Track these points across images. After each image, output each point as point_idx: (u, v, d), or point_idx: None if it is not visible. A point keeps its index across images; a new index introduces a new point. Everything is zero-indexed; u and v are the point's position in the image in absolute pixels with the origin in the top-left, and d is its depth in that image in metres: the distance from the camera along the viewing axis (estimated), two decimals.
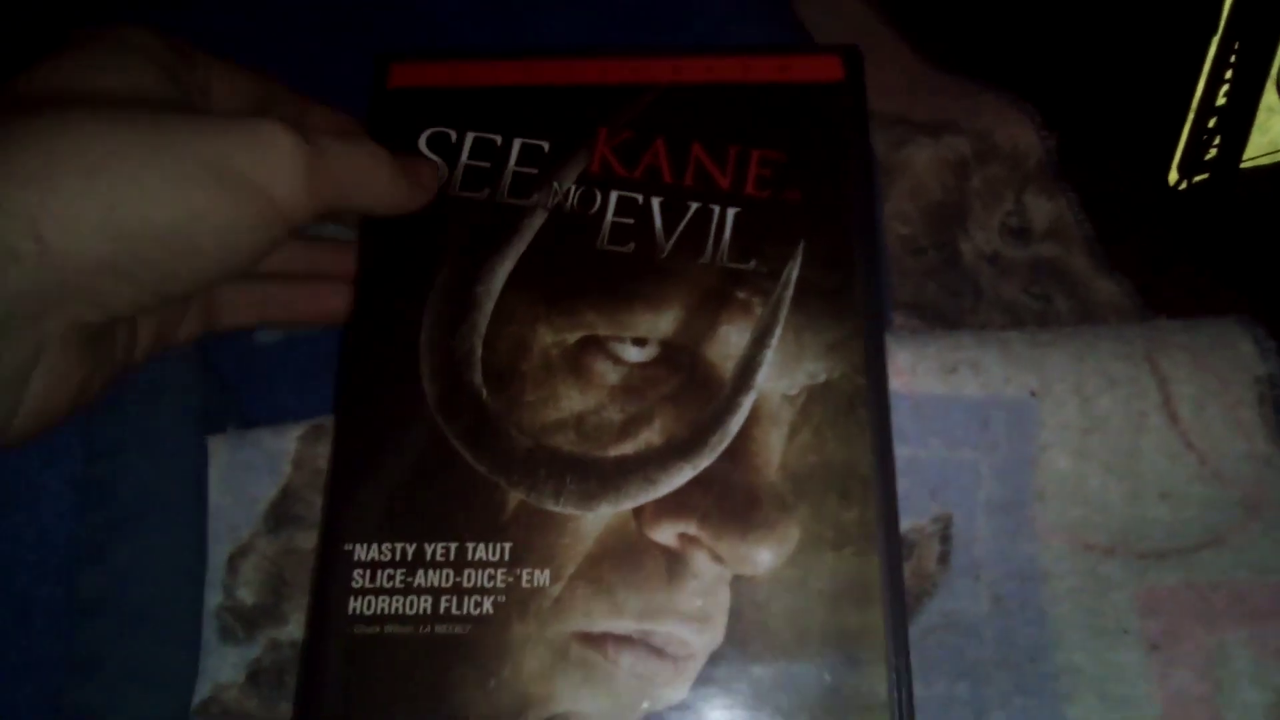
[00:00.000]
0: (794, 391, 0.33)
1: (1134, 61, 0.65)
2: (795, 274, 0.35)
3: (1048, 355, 0.35)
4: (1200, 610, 0.33)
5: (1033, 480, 0.35)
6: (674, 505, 0.32)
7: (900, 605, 0.31)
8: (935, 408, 0.35)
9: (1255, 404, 0.35)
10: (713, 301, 0.35)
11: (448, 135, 0.37)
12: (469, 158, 0.37)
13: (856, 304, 0.34)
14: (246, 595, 0.33)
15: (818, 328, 0.34)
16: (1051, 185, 0.50)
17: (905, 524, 0.34)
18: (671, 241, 0.35)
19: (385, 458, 0.33)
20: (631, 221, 0.36)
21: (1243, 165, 0.67)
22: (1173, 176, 0.68)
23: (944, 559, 0.34)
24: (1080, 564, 0.34)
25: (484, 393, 0.33)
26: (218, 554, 0.33)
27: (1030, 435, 0.35)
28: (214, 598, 0.33)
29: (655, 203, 0.36)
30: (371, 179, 0.33)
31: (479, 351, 0.34)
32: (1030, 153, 0.51)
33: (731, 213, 0.36)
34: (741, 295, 0.35)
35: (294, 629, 0.33)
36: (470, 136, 0.37)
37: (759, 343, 0.34)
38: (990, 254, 0.47)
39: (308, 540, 0.34)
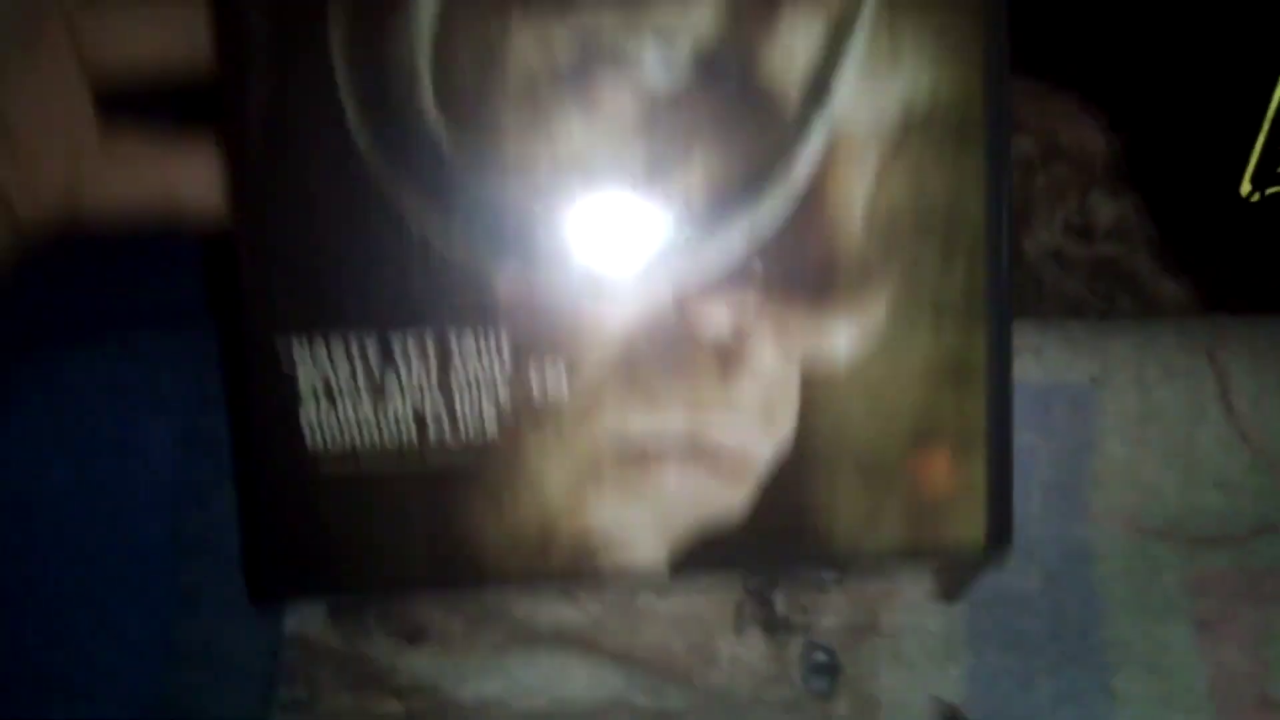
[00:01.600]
0: (883, 115, 0.25)
1: (1209, 71, 0.65)
2: None
3: (1109, 344, 0.36)
4: (1251, 592, 0.34)
5: (1090, 465, 0.36)
6: (725, 280, 0.25)
7: (1006, 390, 0.26)
8: None
9: None
10: None
11: None
12: None
13: None
14: None
15: (917, 24, 0.25)
16: (1116, 186, 0.51)
17: None
18: None
19: (314, 230, 0.25)
20: None
21: None
22: (1245, 188, 0.68)
23: None
24: (1133, 546, 0.35)
25: (441, 130, 0.24)
26: None
27: (1089, 422, 0.36)
28: None
29: None
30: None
31: (425, 73, 0.24)
32: (1096, 154, 0.52)
33: None
34: None
35: None
36: None
37: (834, 45, 0.25)
38: (1054, 251, 0.48)
39: None
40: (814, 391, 0.26)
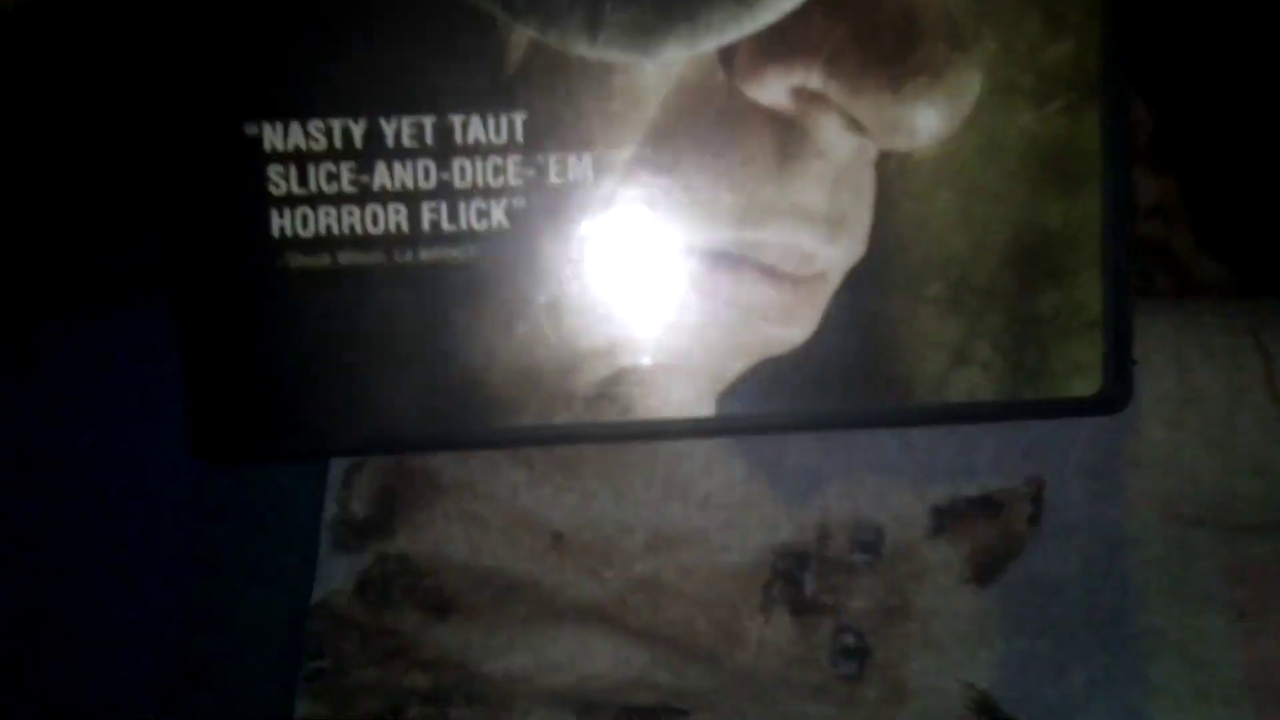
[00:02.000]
0: None
1: (1253, 48, 0.64)
2: None
3: (1149, 324, 0.35)
4: None
5: (1128, 447, 0.35)
6: (783, 42, 0.21)
7: (1125, 192, 0.22)
8: None
9: None
10: None
11: None
12: None
13: None
14: (359, 509, 0.35)
15: None
16: (1158, 163, 0.50)
17: (995, 484, 0.35)
18: None
19: None
20: None
21: None
22: None
23: (1034, 519, 0.35)
24: (1169, 532, 0.34)
25: None
26: (336, 467, 0.35)
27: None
28: (331, 510, 0.35)
29: None
30: None
31: None
32: (1137, 130, 0.51)
33: None
34: None
35: (401, 542, 0.35)
36: None
37: None
38: None
39: (418, 459, 0.35)
40: (891, 185, 0.21)
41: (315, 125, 0.20)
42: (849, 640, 0.34)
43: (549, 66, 0.20)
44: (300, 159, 0.20)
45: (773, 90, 0.21)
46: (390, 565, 0.35)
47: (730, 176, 0.21)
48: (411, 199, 0.20)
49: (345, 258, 0.20)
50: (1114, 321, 0.23)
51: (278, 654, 0.33)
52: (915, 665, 0.33)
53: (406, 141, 0.20)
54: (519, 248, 0.20)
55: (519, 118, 0.20)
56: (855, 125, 0.21)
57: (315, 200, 0.20)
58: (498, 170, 0.20)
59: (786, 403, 0.23)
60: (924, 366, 0.23)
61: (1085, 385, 0.23)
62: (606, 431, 0.23)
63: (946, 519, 0.35)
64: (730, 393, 0.23)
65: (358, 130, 0.20)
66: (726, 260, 0.21)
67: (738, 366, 0.22)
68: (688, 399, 0.22)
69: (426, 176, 0.20)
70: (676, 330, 0.22)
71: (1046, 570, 0.35)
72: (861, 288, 0.21)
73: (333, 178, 0.20)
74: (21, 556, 0.33)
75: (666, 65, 0.20)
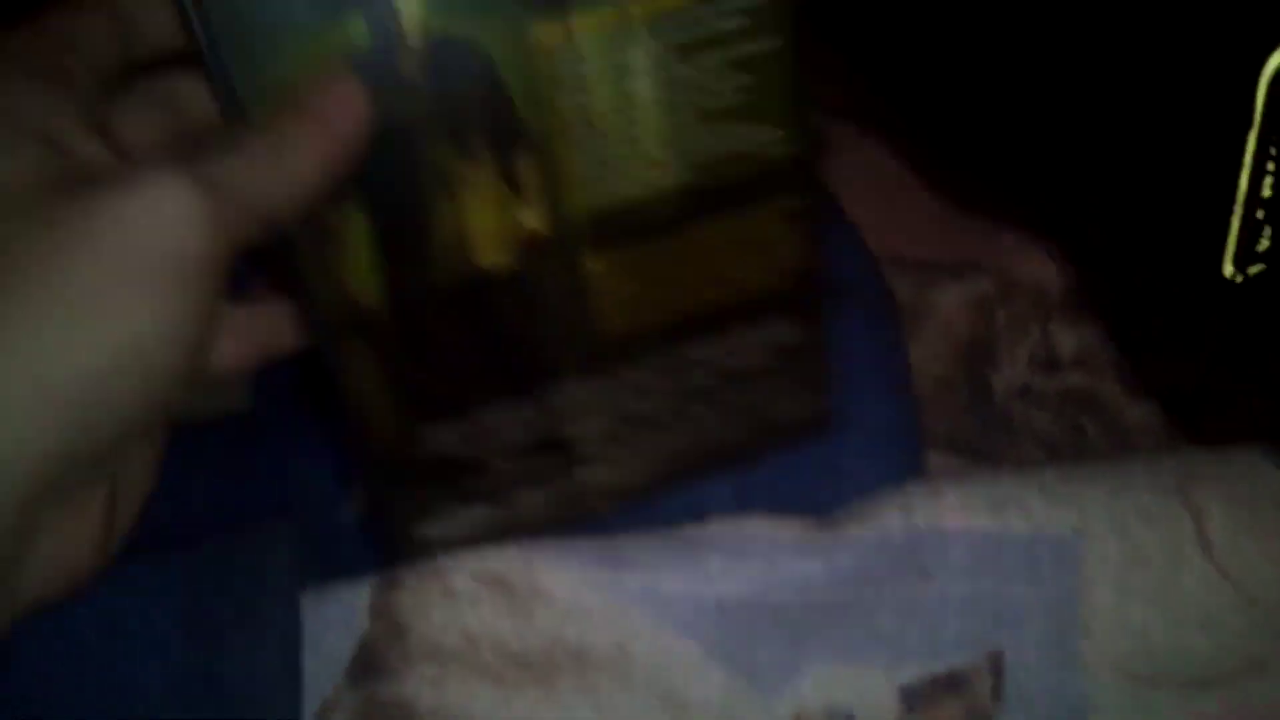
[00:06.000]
0: None
1: (1172, 167, 0.68)
2: None
3: (1085, 493, 0.37)
4: None
5: (1079, 614, 0.36)
6: None
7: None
8: (987, 545, 0.37)
9: None
10: None
11: None
12: None
13: None
14: None
15: None
16: (1075, 315, 0.53)
17: (959, 660, 0.36)
18: None
19: None
20: None
21: None
22: (1228, 270, 0.69)
23: (997, 693, 0.36)
24: (1128, 695, 0.35)
25: None
26: (308, 708, 0.35)
27: (1075, 571, 0.37)
28: None
29: None
30: (286, 180, 0.26)
31: None
32: (1052, 285, 0.54)
33: None
34: None
35: None
36: None
37: None
38: (1020, 386, 0.50)
39: (389, 692, 0.35)
40: None
41: None
42: None
43: None
44: None
45: None
46: None
47: None
48: None
49: None
50: None
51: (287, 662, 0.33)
52: None
53: None
54: None
55: None
56: None
57: None
58: None
59: None
60: None
61: None
62: None
63: (917, 700, 0.35)
64: None
65: None
66: None
67: None
68: None
69: None
70: None
71: None
72: None
73: None
74: None
75: None
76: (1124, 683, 0.36)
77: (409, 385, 0.32)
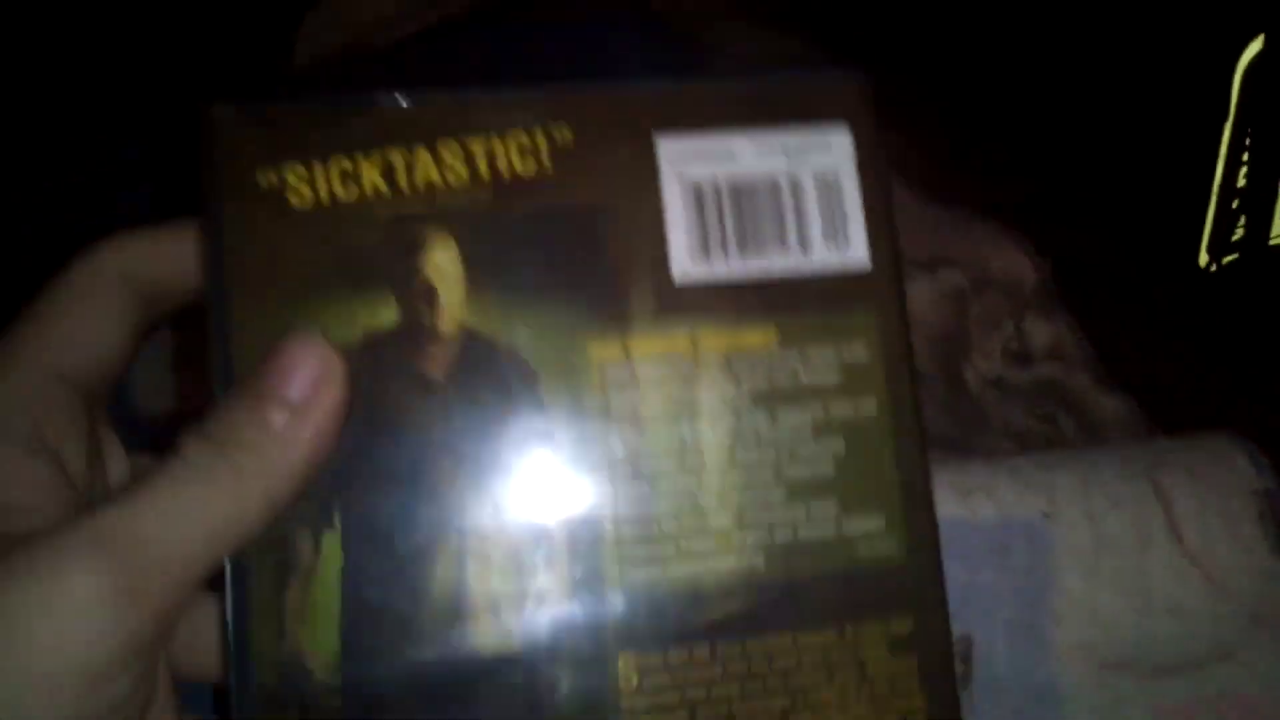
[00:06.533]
0: None
1: (1147, 158, 0.68)
2: None
3: (1056, 479, 0.37)
4: None
5: (1049, 600, 0.36)
6: None
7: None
8: (956, 532, 0.37)
9: (1255, 519, 0.37)
10: None
11: None
12: None
13: None
14: None
15: None
16: (1048, 308, 0.53)
17: None
18: None
19: None
20: None
21: (1271, 242, 0.69)
22: (1203, 259, 0.70)
23: (965, 679, 0.36)
24: (1096, 681, 0.36)
25: None
26: None
27: (1045, 557, 0.37)
28: None
29: None
30: (213, 513, 0.20)
31: None
32: (1025, 278, 0.54)
33: None
34: None
35: None
36: None
37: None
38: (994, 378, 0.50)
39: None
40: None
41: None
42: None
43: None
44: None
45: None
46: None
47: None
48: None
49: None
50: None
51: None
52: None
53: None
54: None
55: None
56: None
57: None
58: None
59: None
60: None
61: None
62: None
63: None
64: None
65: None
66: None
67: None
68: None
69: None
70: None
71: None
72: None
73: None
74: None
75: None
76: (1092, 668, 0.36)
77: None
